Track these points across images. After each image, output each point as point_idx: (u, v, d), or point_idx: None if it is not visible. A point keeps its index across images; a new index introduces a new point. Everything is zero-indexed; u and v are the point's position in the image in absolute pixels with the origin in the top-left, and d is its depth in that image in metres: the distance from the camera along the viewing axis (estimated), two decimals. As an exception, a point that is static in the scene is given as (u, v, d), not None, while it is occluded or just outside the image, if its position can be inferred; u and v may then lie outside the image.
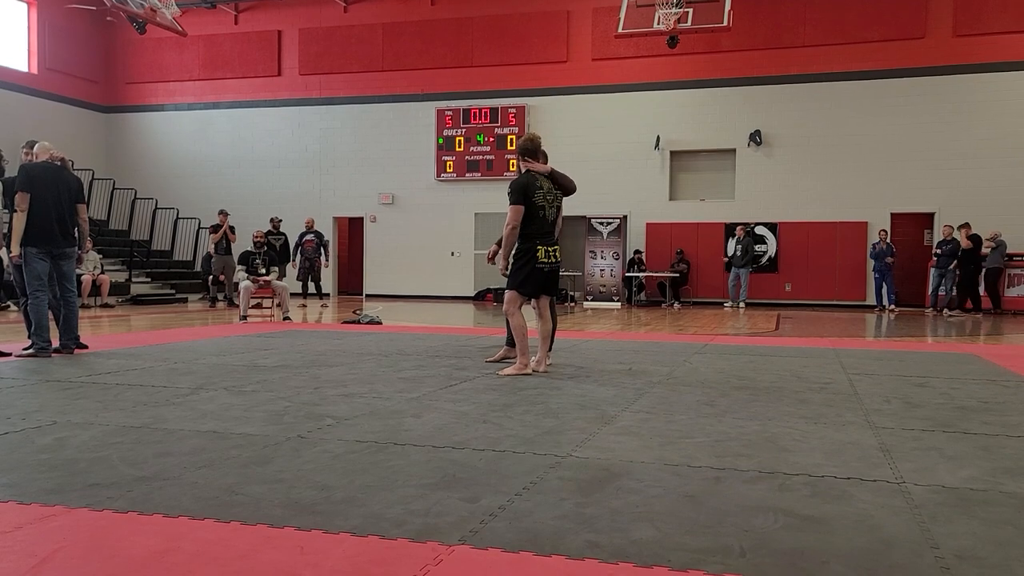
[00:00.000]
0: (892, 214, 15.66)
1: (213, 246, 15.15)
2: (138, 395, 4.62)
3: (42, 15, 18.23)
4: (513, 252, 5.71)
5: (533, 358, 5.80)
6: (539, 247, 5.58)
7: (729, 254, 15.78)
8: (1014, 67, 15.03)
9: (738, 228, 15.76)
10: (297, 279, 15.31)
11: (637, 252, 16.58)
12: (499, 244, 5.92)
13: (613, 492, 2.73)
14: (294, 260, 15.41)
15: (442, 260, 17.89)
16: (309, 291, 15.57)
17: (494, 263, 6.13)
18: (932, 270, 14.51)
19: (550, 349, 5.97)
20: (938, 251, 14.39)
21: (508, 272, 5.74)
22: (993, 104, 15.17)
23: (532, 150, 5.75)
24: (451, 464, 3.08)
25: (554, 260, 5.69)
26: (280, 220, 15.73)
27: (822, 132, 16.02)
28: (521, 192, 5.55)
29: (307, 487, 2.75)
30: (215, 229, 15.10)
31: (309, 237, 15.55)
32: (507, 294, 5.76)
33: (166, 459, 3.12)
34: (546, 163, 5.82)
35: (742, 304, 15.53)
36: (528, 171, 5.70)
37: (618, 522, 2.41)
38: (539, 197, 5.58)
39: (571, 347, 7.49)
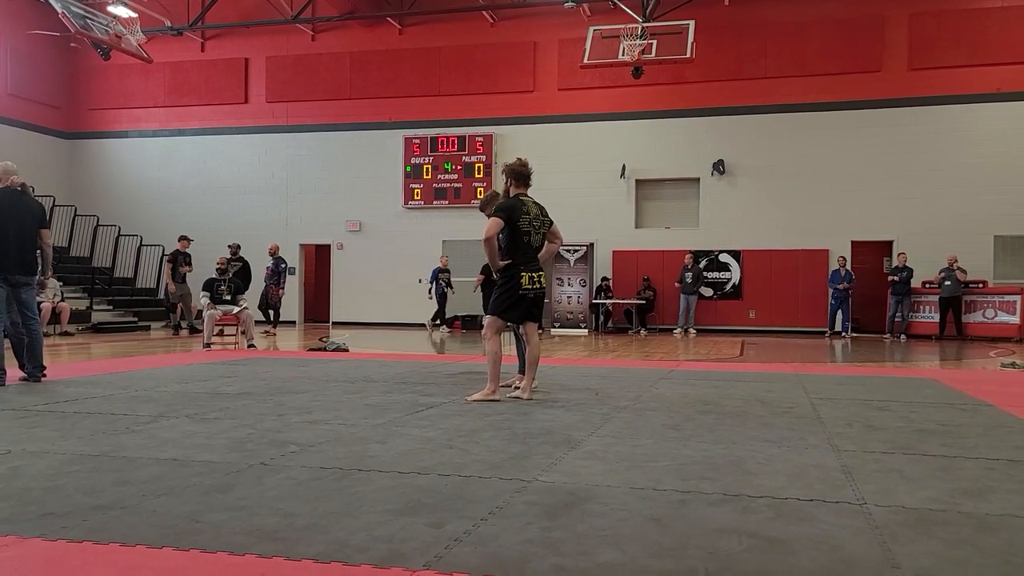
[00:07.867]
0: (852, 242, 15.96)
1: (170, 275, 14.59)
2: (97, 423, 4.52)
3: (4, 40, 17.98)
4: (497, 276, 5.60)
5: (517, 386, 5.79)
6: (523, 273, 5.46)
7: (688, 281, 15.80)
8: (966, 100, 15.51)
9: (687, 256, 15.99)
10: (258, 307, 15.13)
11: (605, 279, 16.69)
12: (483, 273, 5.80)
13: (579, 516, 2.72)
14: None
15: (409, 287, 17.79)
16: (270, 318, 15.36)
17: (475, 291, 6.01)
18: (890, 297, 14.83)
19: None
20: (894, 278, 14.72)
21: (495, 286, 5.61)
22: (947, 135, 15.60)
23: (523, 175, 5.61)
24: (416, 490, 3.05)
25: (538, 286, 5.57)
26: (239, 246, 15.18)
27: (783, 161, 16.34)
28: (505, 212, 5.41)
29: (269, 514, 2.71)
30: (172, 257, 14.70)
31: (268, 265, 15.37)
32: (487, 319, 5.66)
33: (124, 487, 3.05)
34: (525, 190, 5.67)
35: (692, 329, 15.76)
36: (516, 195, 5.57)
37: (584, 546, 2.41)
38: (524, 222, 5.45)
39: (538, 373, 7.46)
